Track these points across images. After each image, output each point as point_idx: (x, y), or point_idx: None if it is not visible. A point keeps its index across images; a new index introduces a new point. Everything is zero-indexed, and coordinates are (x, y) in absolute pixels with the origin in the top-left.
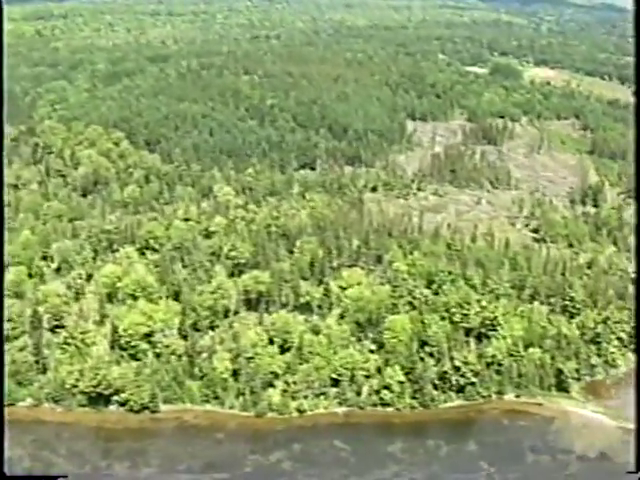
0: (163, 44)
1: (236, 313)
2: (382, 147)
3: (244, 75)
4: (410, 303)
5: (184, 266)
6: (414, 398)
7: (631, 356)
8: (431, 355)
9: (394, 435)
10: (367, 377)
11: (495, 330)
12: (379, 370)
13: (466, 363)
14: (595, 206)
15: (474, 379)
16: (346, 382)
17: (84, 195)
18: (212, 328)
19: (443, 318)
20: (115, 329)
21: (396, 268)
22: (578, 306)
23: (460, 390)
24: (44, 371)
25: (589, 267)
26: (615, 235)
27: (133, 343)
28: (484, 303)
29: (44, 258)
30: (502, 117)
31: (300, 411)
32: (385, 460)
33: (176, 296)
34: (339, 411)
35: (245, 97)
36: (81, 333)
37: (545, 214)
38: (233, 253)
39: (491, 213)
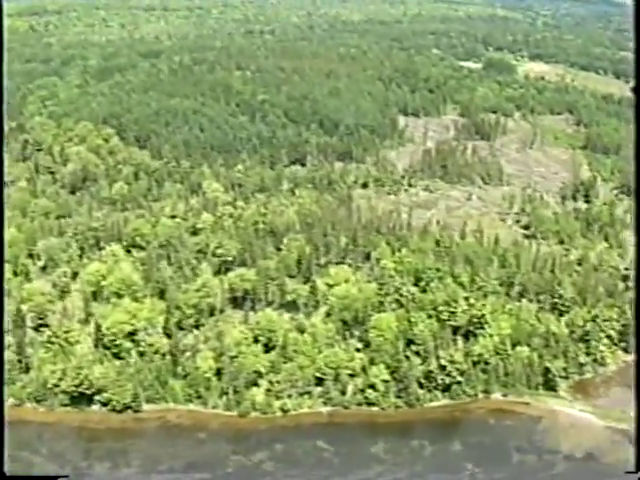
0: (157, 39)
1: (221, 311)
2: (373, 143)
3: (236, 70)
4: (397, 301)
5: (170, 264)
6: (399, 397)
7: (621, 354)
8: (417, 354)
9: (378, 435)
10: (352, 376)
11: (483, 328)
12: (364, 369)
13: (452, 362)
14: (587, 202)
15: (460, 378)
16: (330, 381)
17: (73, 192)
18: (197, 327)
19: (430, 316)
20: (98, 328)
21: (383, 265)
22: (567, 304)
23: (446, 389)
24: (27, 370)
25: (579, 264)
26: (607, 231)
27: (117, 342)
28: (472, 301)
29: (30, 256)
30: (495, 112)
31: (284, 410)
32: (368, 461)
33: (161, 294)
34: (323, 411)
35: (236, 92)
36: (65, 332)
37: (536, 210)
38: (220, 250)
39: (482, 209)
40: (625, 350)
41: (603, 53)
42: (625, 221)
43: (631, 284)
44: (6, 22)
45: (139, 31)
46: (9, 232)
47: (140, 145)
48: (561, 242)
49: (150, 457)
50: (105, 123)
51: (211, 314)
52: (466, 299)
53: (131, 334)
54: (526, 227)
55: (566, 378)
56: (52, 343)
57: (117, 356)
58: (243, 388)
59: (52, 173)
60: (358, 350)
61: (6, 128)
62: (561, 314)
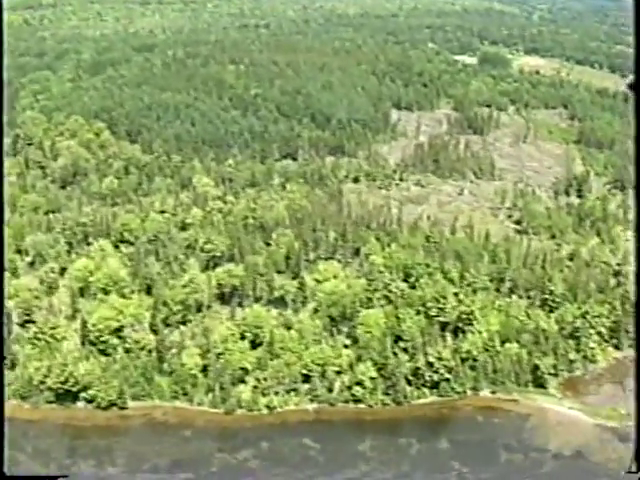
0: (151, 33)
1: (209, 307)
2: (366, 137)
3: (230, 65)
4: (386, 297)
5: (158, 259)
6: (386, 394)
7: (611, 351)
8: (405, 350)
9: (365, 433)
10: (339, 373)
11: (472, 325)
12: (351, 366)
13: (440, 359)
14: (580, 197)
15: (448, 375)
16: (317, 378)
17: (63, 187)
18: (184, 323)
19: (418, 312)
20: (85, 324)
21: (372, 261)
22: (558, 300)
23: (434, 386)
24: (12, 367)
25: (571, 259)
26: (599, 226)
27: (103, 338)
28: (461, 297)
29: (18, 252)
30: (489, 106)
31: (270, 408)
32: (355, 459)
33: (149, 290)
34: (310, 408)
35: (229, 87)
36: (51, 328)
37: (528, 205)
38: (208, 246)
39: (473, 204)
40: (616, 347)
41: (599, 47)
42: (618, 216)
43: (623, 279)
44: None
45: (134, 25)
46: None
47: (131, 139)
48: (553, 237)
49: (135, 455)
50: (96, 117)
51: (198, 310)
52: (455, 295)
53: (117, 330)
54: (518, 222)
55: (555, 375)
56: (38, 339)
57: (103, 353)
58: (229, 385)
59: (42, 168)
60: (346, 347)
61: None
62: (551, 310)
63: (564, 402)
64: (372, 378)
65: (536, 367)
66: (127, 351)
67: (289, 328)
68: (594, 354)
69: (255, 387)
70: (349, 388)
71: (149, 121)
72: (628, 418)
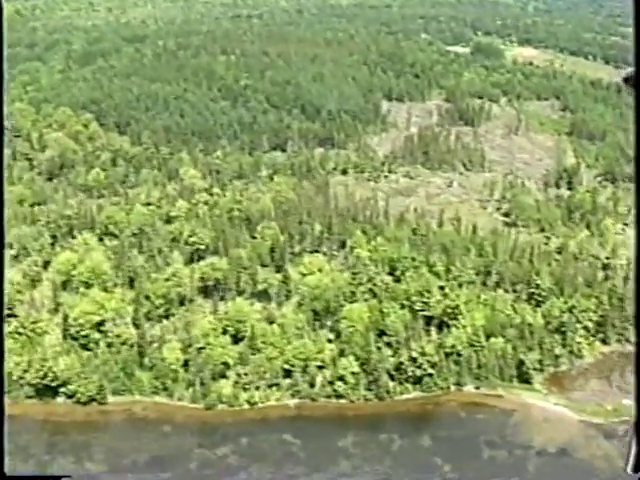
0: (143, 23)
1: (191, 301)
2: (355, 128)
3: (221, 55)
4: (371, 291)
5: (142, 253)
6: (369, 390)
7: (598, 345)
8: (389, 345)
9: (347, 428)
10: (321, 368)
11: (457, 319)
12: (334, 361)
13: (423, 354)
14: (570, 189)
15: (431, 370)
16: (299, 373)
17: (50, 179)
18: (167, 317)
19: (403, 307)
20: (66, 318)
21: (357, 254)
22: (544, 294)
23: (417, 381)
24: None
25: (559, 252)
26: (589, 219)
27: (84, 333)
28: (447, 291)
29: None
30: (481, 98)
31: (251, 403)
32: (335, 455)
33: (132, 284)
34: (291, 403)
35: (219, 78)
36: (32, 323)
37: (516, 197)
38: (193, 239)
39: (462, 196)
40: (603, 341)
41: (593, 38)
42: (608, 209)
43: (611, 273)
44: None
45: (126, 15)
46: None
47: (120, 131)
48: (542, 230)
49: (113, 451)
50: (85, 109)
51: (181, 304)
52: (441, 289)
53: (99, 325)
54: (507, 215)
55: (541, 370)
56: (19, 334)
57: (84, 347)
58: (210, 380)
59: (29, 160)
60: (330, 341)
61: None
62: (538, 304)
63: (549, 398)
64: (354, 373)
65: (521, 362)
66: (108, 346)
67: (271, 322)
68: (580, 349)
69: (236, 382)
70: (331, 383)
71: (138, 112)
72: (614, 414)
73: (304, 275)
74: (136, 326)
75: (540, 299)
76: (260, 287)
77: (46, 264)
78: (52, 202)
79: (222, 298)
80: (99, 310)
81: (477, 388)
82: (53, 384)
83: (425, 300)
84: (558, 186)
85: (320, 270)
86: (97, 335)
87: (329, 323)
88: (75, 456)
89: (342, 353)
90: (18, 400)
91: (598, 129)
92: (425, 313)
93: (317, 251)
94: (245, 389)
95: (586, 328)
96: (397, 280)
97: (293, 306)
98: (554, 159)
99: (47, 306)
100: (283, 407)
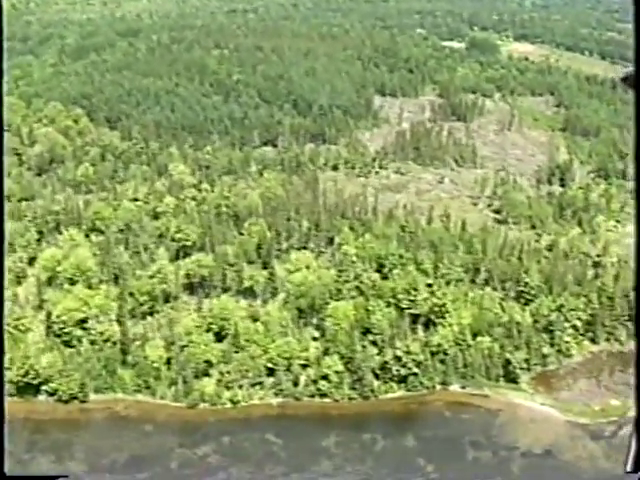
0: (137, 17)
1: (176, 298)
2: (347, 124)
3: (214, 50)
4: (357, 288)
5: (128, 249)
6: (353, 389)
7: (587, 344)
8: (374, 344)
9: (330, 428)
10: (305, 367)
11: (444, 317)
12: (318, 359)
13: (408, 352)
14: (562, 185)
15: (416, 369)
16: (282, 372)
17: (39, 174)
18: (151, 314)
19: (389, 304)
20: (49, 315)
21: (345, 251)
22: (533, 292)
23: (402, 380)
24: None
25: (550, 250)
26: (580, 216)
27: (67, 330)
28: (434, 289)
29: None
30: (474, 93)
31: (233, 402)
32: (317, 455)
33: (117, 280)
34: (274, 402)
35: (212, 72)
36: (15, 319)
37: (508, 194)
38: (179, 235)
39: (453, 192)
40: (592, 340)
41: (590, 34)
42: (600, 205)
43: (601, 271)
44: None
45: (121, 9)
46: None
47: (110, 126)
48: (533, 227)
49: (94, 449)
50: (75, 103)
51: (166, 301)
52: (429, 286)
53: (82, 322)
54: (497, 211)
55: (528, 370)
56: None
57: (67, 344)
58: (193, 378)
59: (18, 155)
60: (315, 339)
61: None
62: (526, 303)
63: (536, 398)
64: (338, 372)
65: (508, 361)
66: (91, 343)
67: (256, 320)
68: (569, 348)
69: (219, 380)
70: (315, 382)
71: (128, 107)
72: (601, 415)
73: (291, 272)
74: (120, 323)
75: (529, 297)
76: (246, 284)
77: (32, 260)
78: (40, 197)
79: (207, 295)
80: (83, 307)
81: (463, 388)
82: (35, 382)
83: (412, 298)
84: (550, 182)
85: (307, 267)
86: (80, 332)
87: (314, 321)
88: (55, 455)
89: (326, 352)
90: None
91: (592, 125)
92: (412, 311)
93: (305, 248)
94: (228, 388)
95: (575, 327)
96: (384, 277)
97: (279, 303)
98: (547, 155)
99: (31, 303)
100: (266, 406)
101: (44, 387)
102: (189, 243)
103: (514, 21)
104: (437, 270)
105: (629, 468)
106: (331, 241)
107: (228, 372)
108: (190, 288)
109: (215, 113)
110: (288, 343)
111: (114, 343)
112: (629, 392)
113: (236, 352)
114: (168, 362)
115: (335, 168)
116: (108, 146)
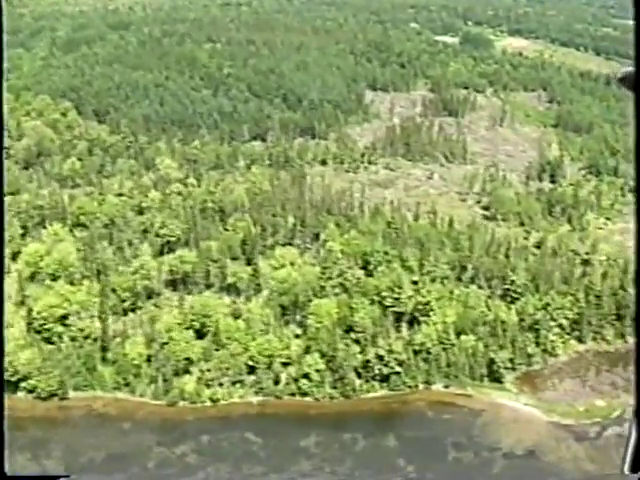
0: (130, 10)
1: (158, 295)
2: (337, 118)
3: (206, 43)
4: (342, 285)
5: (111, 244)
6: (334, 388)
7: (574, 344)
8: (357, 342)
9: (310, 427)
10: (286, 365)
11: (428, 315)
12: (299, 357)
13: (391, 351)
14: (553, 182)
15: (399, 368)
16: (263, 370)
17: (26, 168)
18: (133, 310)
19: (373, 302)
20: (30, 311)
21: (329, 248)
22: (520, 290)
23: (385, 379)
24: None
25: (538, 247)
26: (570, 213)
27: (47, 326)
28: (419, 286)
29: None
30: (467, 88)
31: (213, 400)
32: (296, 455)
33: (99, 276)
34: (254, 401)
35: (202, 66)
36: None
37: (497, 190)
38: (163, 231)
39: (442, 188)
40: (579, 340)
41: (585, 29)
42: (590, 202)
43: (589, 270)
44: None
45: (114, 1)
46: None
47: (99, 120)
48: (522, 224)
49: (71, 448)
50: (64, 97)
51: (148, 297)
52: (414, 283)
53: (63, 318)
54: (486, 208)
55: (512, 369)
56: None
57: (48, 341)
58: (173, 376)
59: (6, 148)
60: (297, 337)
61: None
62: (512, 301)
63: (520, 397)
64: (320, 370)
65: (492, 361)
66: (72, 340)
67: (237, 317)
68: (554, 347)
69: (199, 378)
70: (296, 380)
71: (117, 101)
72: (585, 415)
73: (275, 269)
74: (102, 320)
75: (515, 296)
76: (229, 281)
77: (15, 255)
78: (25, 192)
79: (190, 292)
80: (64, 303)
81: (446, 387)
82: (13, 379)
83: (396, 296)
84: (541, 179)
85: (292, 264)
86: (61, 329)
87: (297, 318)
88: (32, 453)
89: (308, 350)
90: None
91: (584, 121)
92: (396, 309)
93: (290, 244)
94: (208, 386)
95: (561, 326)
96: (369, 275)
97: (263, 300)
98: (538, 151)
99: (14, 298)
100: (246, 404)
101: (23, 384)
102: (173, 239)
103: (509, 16)
104: (422, 267)
105: (627, 469)
106: (317, 237)
107: (208, 370)
108: (173, 284)
109: (204, 107)
110: (269, 341)
111: (94, 340)
112: (615, 393)
113: (217, 350)
114: (148, 359)
115: (324, 163)
116: (96, 140)
